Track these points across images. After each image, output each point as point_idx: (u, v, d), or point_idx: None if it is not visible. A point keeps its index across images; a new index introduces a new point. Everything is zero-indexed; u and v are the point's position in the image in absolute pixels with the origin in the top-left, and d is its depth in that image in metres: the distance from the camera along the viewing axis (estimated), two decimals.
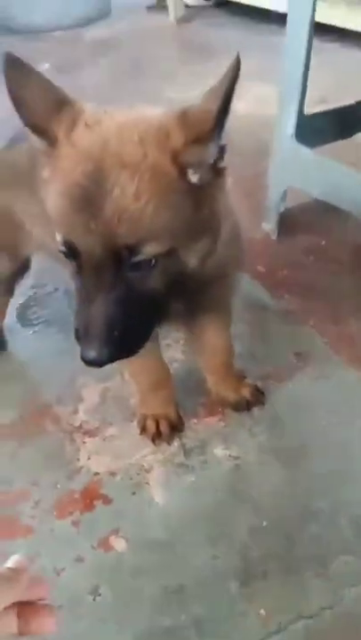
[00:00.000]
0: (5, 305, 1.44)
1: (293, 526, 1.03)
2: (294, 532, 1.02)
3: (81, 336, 0.76)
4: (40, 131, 0.75)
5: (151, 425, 1.19)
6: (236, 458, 1.15)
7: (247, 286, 1.55)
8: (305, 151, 1.55)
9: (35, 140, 0.76)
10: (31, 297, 1.62)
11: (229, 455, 1.15)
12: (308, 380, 1.30)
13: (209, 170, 0.75)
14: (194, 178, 0.73)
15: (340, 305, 1.48)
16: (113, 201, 0.69)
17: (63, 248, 0.75)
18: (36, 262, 1.47)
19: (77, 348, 1.41)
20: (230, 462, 1.14)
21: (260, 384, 1.27)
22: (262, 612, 0.91)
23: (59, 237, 0.75)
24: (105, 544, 1.02)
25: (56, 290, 1.63)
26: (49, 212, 0.76)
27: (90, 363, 0.77)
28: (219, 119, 0.70)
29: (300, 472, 1.11)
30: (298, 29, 1.43)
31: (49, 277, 1.66)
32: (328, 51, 2.98)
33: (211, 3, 4.13)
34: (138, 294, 0.75)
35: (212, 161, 0.74)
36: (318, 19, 1.46)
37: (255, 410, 1.23)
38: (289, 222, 1.77)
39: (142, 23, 3.97)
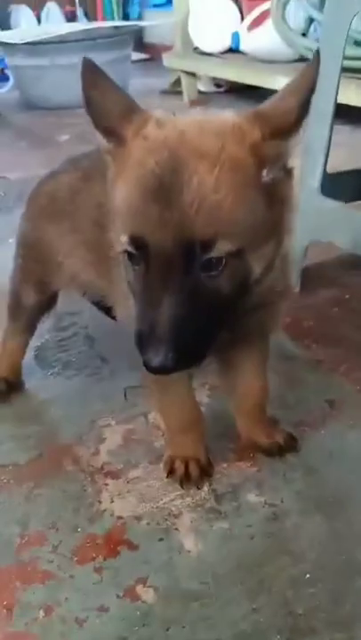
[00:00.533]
0: (25, 343, 1.40)
1: (340, 580, 0.93)
2: (341, 586, 0.92)
3: (144, 341, 0.71)
4: (109, 131, 0.75)
5: (180, 467, 1.11)
6: (272, 505, 1.06)
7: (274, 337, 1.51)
8: (331, 203, 1.57)
9: (102, 142, 0.76)
10: (49, 340, 1.57)
11: (265, 502, 1.07)
12: (342, 427, 1.23)
13: (282, 168, 0.74)
14: (269, 175, 0.72)
15: None
16: (191, 190, 0.67)
17: (129, 247, 0.72)
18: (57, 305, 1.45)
19: (97, 390, 1.37)
20: (266, 510, 1.05)
21: (292, 431, 1.21)
22: None
23: (124, 237, 0.72)
24: (131, 593, 0.92)
25: (76, 334, 1.59)
26: (116, 211, 0.74)
27: (155, 370, 0.71)
28: (302, 113, 0.70)
29: (343, 523, 1.02)
30: (325, 85, 1.50)
31: (69, 320, 1.63)
32: (339, 132, 3.13)
33: (222, 90, 4.39)
34: (206, 298, 0.72)
35: (288, 158, 0.74)
36: None
37: (289, 456, 1.16)
38: (312, 277, 1.76)
39: (157, 105, 4.19)
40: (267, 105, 0.74)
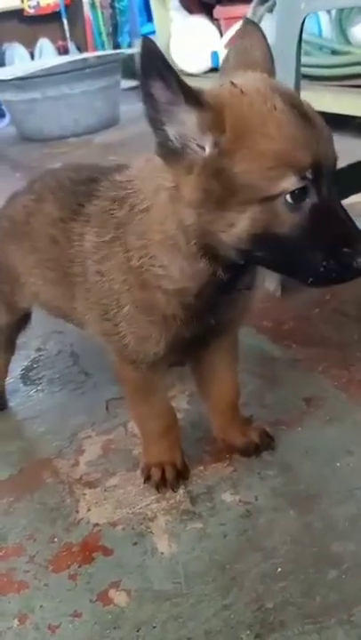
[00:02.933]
0: (5, 363, 1.43)
1: (311, 572, 0.93)
2: (312, 579, 0.92)
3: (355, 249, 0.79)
4: (199, 100, 0.76)
5: (156, 472, 1.12)
6: (247, 503, 1.06)
7: (254, 340, 1.53)
8: None
9: (192, 118, 0.76)
10: (35, 359, 1.61)
11: (239, 500, 1.07)
12: (319, 423, 1.23)
13: None
14: None
15: (348, 352, 1.44)
16: (321, 123, 0.81)
17: (304, 181, 0.76)
18: (43, 325, 1.48)
19: (79, 404, 1.39)
20: (240, 508, 1.06)
21: (269, 430, 1.21)
22: None
23: (293, 175, 0.76)
24: (104, 597, 0.93)
25: (61, 351, 1.62)
26: (271, 157, 0.76)
27: None
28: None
29: (316, 516, 1.02)
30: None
31: (55, 339, 1.67)
32: None
33: None
34: None
35: None
36: None
37: (265, 454, 1.16)
38: (292, 281, 1.77)
39: (148, 128, 4.26)
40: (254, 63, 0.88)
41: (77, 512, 1.09)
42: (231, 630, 0.86)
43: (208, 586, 0.92)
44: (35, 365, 1.58)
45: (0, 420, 1.38)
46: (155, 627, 0.87)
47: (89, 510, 1.09)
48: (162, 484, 1.11)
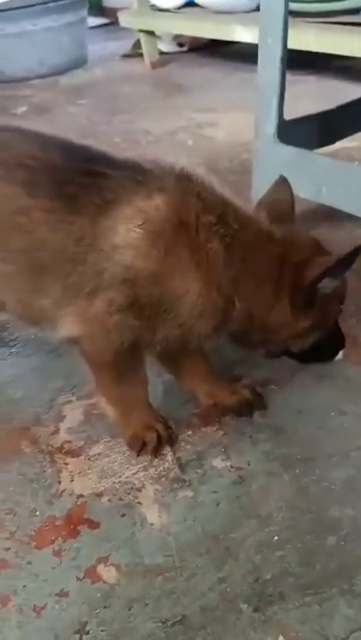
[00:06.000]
0: None
1: (309, 540, 0.89)
2: (311, 546, 0.88)
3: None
4: None
5: (151, 436, 1.05)
6: (239, 469, 1.01)
7: None
8: (290, 150, 1.49)
9: None
10: (7, 319, 1.50)
11: (231, 466, 1.02)
12: (311, 381, 1.18)
13: None
14: None
15: None
16: None
17: None
18: None
19: (57, 367, 1.30)
20: (232, 474, 1.01)
21: (260, 390, 1.15)
22: (281, 638, 0.76)
23: None
24: (92, 574, 0.88)
25: None
26: None
27: None
28: None
29: (312, 481, 0.98)
30: (271, 25, 1.40)
31: None
32: (304, 82, 3.02)
33: (185, 49, 4.22)
34: None
35: None
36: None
37: (256, 417, 1.11)
38: None
39: (118, 69, 4.04)
40: None
41: (60, 483, 1.03)
42: (228, 605, 0.81)
43: (202, 558, 0.88)
44: (7, 326, 1.48)
45: None
46: (147, 604, 0.83)
47: (72, 481, 1.03)
48: (149, 451, 1.05)
